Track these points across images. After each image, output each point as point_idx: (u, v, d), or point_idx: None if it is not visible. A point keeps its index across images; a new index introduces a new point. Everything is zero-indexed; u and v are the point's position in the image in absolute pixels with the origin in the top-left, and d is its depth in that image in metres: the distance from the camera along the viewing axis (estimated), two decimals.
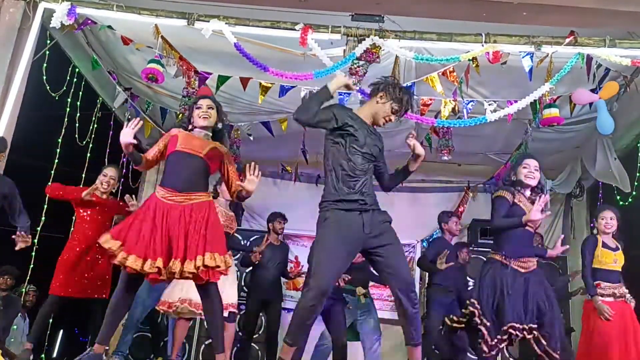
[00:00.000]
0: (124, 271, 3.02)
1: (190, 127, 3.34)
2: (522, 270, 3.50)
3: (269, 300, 5.45)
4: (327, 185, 3.02)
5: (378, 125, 3.17)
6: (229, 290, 4.45)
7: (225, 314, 4.40)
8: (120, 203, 4.59)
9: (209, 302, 3.15)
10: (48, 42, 4.61)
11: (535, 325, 3.41)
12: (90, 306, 4.40)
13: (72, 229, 4.52)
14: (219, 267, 3.00)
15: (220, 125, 3.37)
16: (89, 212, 4.42)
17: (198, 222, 3.03)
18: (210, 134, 3.35)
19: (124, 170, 6.13)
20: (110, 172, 4.56)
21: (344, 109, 3.13)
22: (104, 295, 4.32)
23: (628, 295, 4.11)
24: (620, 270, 4.16)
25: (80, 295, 4.29)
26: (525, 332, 3.39)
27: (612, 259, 4.15)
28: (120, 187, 6.01)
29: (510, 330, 3.38)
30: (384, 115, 3.11)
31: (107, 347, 3.23)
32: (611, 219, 4.23)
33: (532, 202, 3.47)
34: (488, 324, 3.43)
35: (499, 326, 3.42)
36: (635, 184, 5.35)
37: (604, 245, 4.20)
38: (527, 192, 3.61)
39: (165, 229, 2.99)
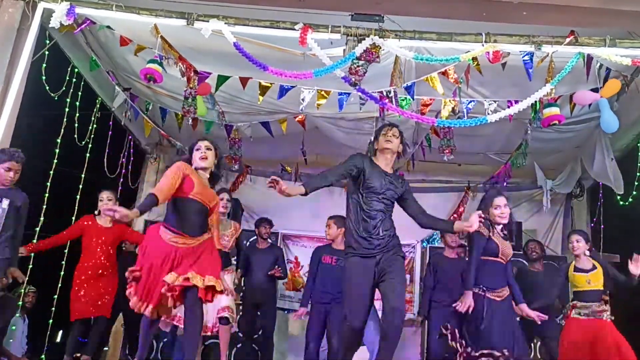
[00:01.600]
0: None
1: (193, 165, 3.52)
2: (498, 300, 3.77)
3: (260, 302, 5.53)
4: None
5: (389, 153, 3.54)
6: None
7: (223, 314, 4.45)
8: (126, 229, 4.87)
9: (195, 319, 3.35)
10: (47, 42, 4.60)
11: (507, 353, 3.61)
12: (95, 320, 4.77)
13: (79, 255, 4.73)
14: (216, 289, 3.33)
15: (218, 169, 3.60)
16: (94, 240, 4.66)
17: (204, 253, 3.38)
18: (208, 176, 3.55)
19: (123, 170, 6.13)
20: (105, 195, 4.74)
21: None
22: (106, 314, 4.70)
23: (606, 314, 4.20)
24: (599, 288, 4.25)
25: (89, 315, 4.67)
26: (501, 358, 3.59)
27: (584, 281, 4.28)
28: (120, 187, 6.01)
29: (492, 352, 3.59)
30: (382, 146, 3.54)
31: None
32: (577, 242, 4.35)
33: (505, 238, 3.86)
34: (463, 343, 3.75)
35: (477, 346, 3.67)
36: (636, 183, 5.34)
37: (576, 269, 4.33)
38: (499, 227, 3.88)
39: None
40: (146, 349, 3.75)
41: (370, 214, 3.41)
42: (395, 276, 3.33)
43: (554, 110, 4.42)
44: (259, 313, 5.71)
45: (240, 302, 5.72)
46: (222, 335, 4.45)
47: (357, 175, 3.45)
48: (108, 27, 4.54)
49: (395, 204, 3.59)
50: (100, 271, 4.62)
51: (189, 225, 3.33)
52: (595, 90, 4.36)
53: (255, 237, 6.00)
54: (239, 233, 4.87)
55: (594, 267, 4.29)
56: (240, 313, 5.77)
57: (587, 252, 4.35)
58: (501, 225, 3.88)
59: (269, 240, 5.84)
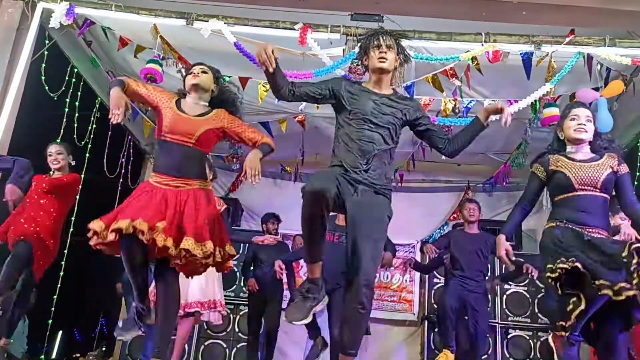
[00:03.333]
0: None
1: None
2: None
3: (268, 299, 5.44)
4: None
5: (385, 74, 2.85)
6: (216, 287, 4.49)
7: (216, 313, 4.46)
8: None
9: (172, 291, 2.86)
10: (47, 42, 4.60)
11: None
12: None
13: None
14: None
15: (216, 91, 3.11)
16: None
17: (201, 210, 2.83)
18: (207, 100, 3.08)
19: (122, 171, 6.13)
20: (52, 148, 4.35)
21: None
22: None
23: None
24: None
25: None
26: None
27: None
28: (120, 187, 6.01)
29: None
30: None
31: None
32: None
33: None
34: None
35: None
36: (635, 183, 5.34)
37: None
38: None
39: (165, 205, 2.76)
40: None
41: (360, 144, 2.72)
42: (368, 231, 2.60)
43: (554, 111, 4.43)
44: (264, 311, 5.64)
45: (246, 300, 5.64)
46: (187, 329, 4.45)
47: (333, 100, 2.83)
48: (108, 28, 4.55)
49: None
50: None
51: (167, 165, 2.87)
52: (597, 89, 4.36)
53: (255, 236, 5.97)
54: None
55: None
56: (243, 312, 5.77)
57: None
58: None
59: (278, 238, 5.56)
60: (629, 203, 2.91)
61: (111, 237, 2.62)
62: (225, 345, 6.05)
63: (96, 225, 2.69)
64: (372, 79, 2.88)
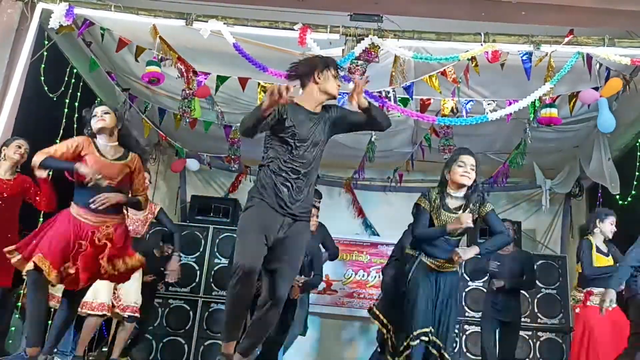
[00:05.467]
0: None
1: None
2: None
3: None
4: None
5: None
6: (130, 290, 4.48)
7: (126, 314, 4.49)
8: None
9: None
10: (46, 42, 4.60)
11: None
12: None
13: None
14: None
15: (120, 127, 3.40)
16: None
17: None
18: (116, 140, 3.40)
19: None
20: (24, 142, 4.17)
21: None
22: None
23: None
24: None
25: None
26: None
27: (605, 264, 4.16)
28: None
29: None
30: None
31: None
32: (614, 224, 4.27)
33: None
34: None
35: None
36: (635, 183, 5.35)
37: (598, 250, 4.22)
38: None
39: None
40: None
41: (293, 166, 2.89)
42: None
43: (552, 112, 4.43)
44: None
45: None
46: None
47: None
48: (107, 29, 4.54)
49: None
50: None
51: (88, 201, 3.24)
52: (596, 89, 4.37)
53: None
54: (155, 214, 4.73)
55: (609, 254, 4.21)
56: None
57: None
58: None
59: None
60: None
61: None
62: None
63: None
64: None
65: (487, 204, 3.49)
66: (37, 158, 3.20)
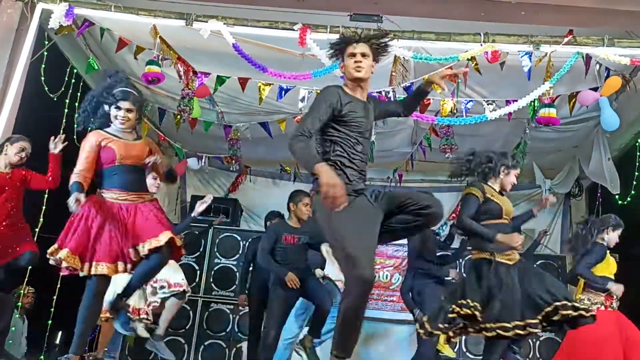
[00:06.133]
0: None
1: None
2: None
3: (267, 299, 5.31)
4: None
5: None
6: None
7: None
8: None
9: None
10: (46, 42, 4.60)
11: None
12: None
13: None
14: None
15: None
16: None
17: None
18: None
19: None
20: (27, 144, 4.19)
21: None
22: None
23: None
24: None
25: None
26: None
27: (615, 269, 4.18)
28: None
29: None
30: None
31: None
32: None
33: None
34: None
35: None
36: (634, 183, 5.35)
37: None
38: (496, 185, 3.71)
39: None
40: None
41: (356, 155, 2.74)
42: None
43: (551, 112, 4.43)
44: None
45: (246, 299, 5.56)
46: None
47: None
48: (107, 29, 4.55)
49: None
50: None
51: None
52: (596, 89, 4.37)
53: (254, 236, 5.96)
54: None
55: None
56: (242, 312, 5.76)
57: None
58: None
59: None
60: None
61: None
62: (225, 345, 6.05)
63: None
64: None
65: None
66: (81, 181, 3.12)
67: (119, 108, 3.28)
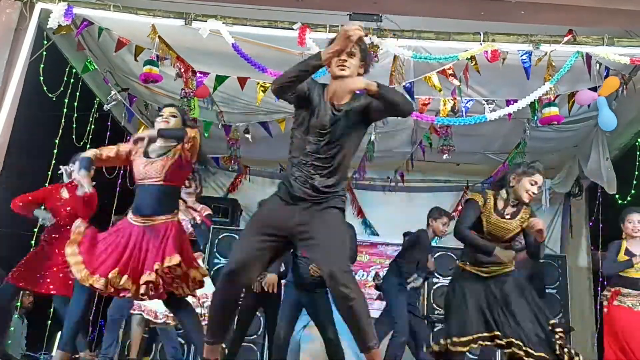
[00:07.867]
0: None
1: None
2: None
3: (265, 297, 4.97)
4: None
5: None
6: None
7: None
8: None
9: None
10: (45, 42, 4.59)
11: None
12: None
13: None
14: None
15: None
16: None
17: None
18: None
19: (121, 171, 6.11)
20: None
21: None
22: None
23: None
24: None
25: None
26: None
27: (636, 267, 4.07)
28: (119, 188, 6.00)
29: None
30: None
31: None
32: (639, 222, 4.15)
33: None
34: None
35: None
36: (634, 182, 5.35)
37: (627, 251, 4.12)
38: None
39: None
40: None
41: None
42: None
43: (553, 110, 4.42)
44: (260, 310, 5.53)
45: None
46: None
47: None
48: (106, 29, 4.54)
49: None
50: None
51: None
52: (595, 89, 4.36)
53: None
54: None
55: None
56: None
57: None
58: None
59: None
60: None
61: None
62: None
63: None
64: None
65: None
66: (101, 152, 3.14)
67: (161, 115, 3.30)
